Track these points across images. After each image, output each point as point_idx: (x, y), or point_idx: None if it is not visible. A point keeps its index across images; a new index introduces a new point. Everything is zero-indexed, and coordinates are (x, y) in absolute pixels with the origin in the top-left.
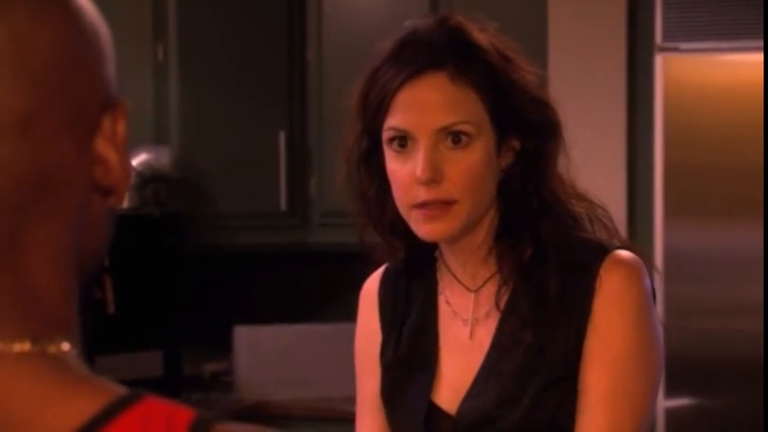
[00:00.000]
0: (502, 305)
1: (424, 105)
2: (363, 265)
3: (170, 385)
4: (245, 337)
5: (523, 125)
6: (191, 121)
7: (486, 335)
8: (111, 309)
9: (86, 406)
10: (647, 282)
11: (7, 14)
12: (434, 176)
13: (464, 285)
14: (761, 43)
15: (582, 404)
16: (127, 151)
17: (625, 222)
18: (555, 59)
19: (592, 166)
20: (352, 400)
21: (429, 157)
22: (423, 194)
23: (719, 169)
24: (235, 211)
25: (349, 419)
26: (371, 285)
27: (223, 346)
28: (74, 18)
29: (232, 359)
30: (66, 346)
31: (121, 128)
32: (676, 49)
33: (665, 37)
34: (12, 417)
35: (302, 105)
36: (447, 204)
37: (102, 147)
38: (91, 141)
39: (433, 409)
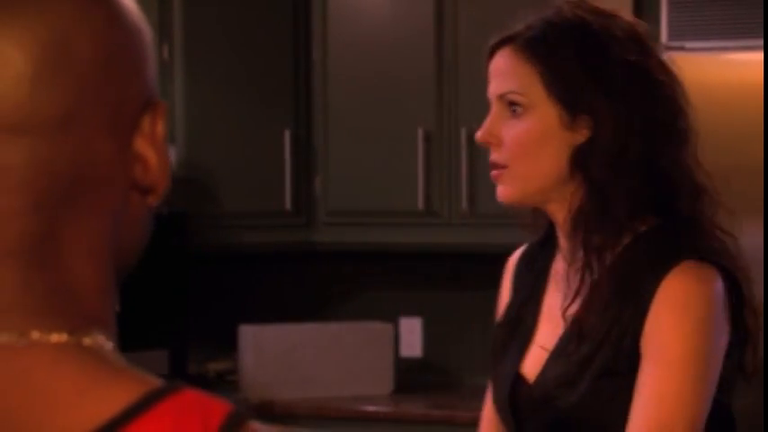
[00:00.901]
0: (581, 287)
1: (492, 73)
2: (369, 264)
3: None
4: (250, 336)
5: (595, 108)
6: (196, 121)
7: (570, 310)
8: (117, 308)
9: (123, 394)
10: (713, 292)
11: (51, 13)
12: (487, 138)
13: (566, 257)
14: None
15: (634, 403)
16: (166, 151)
17: None
18: None
19: None
20: (357, 399)
21: (488, 120)
22: (491, 156)
23: (726, 168)
24: (240, 210)
25: (354, 419)
26: (513, 258)
27: (228, 345)
28: (117, 18)
29: (237, 358)
30: (101, 339)
31: (160, 127)
32: (682, 48)
33: (671, 36)
34: (49, 404)
35: (307, 104)
36: (501, 168)
37: (142, 146)
38: (130, 140)
39: (518, 378)
